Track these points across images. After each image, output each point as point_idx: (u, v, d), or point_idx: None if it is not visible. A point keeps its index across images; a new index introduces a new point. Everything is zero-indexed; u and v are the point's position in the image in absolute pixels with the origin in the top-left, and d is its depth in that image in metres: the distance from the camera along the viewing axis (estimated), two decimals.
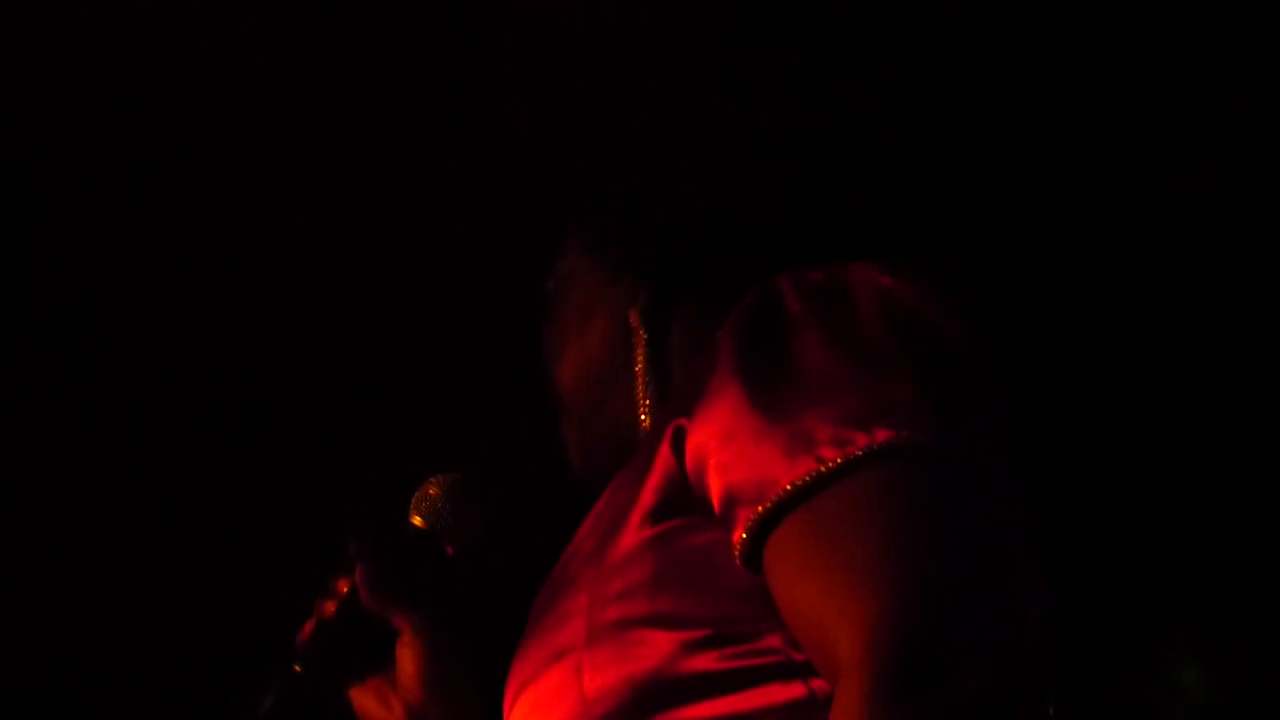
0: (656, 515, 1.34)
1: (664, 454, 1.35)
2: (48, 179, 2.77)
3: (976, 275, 2.68)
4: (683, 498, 1.33)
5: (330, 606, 1.67)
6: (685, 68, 2.64)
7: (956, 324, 1.34)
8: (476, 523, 1.71)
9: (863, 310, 1.33)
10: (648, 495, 1.35)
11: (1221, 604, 3.12)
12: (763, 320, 1.36)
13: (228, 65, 2.67)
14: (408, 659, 1.66)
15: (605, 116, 2.66)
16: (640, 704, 1.28)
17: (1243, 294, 2.91)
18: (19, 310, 2.83)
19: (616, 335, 1.61)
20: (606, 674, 1.31)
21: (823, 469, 1.22)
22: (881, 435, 1.22)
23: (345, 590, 1.67)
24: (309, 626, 1.67)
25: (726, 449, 1.28)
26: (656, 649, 1.29)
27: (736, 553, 1.26)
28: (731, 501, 1.27)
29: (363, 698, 1.70)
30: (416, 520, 1.70)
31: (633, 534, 1.35)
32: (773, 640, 1.27)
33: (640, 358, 1.58)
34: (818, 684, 1.24)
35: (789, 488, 1.22)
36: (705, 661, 1.27)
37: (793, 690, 1.26)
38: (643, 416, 1.56)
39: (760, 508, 1.24)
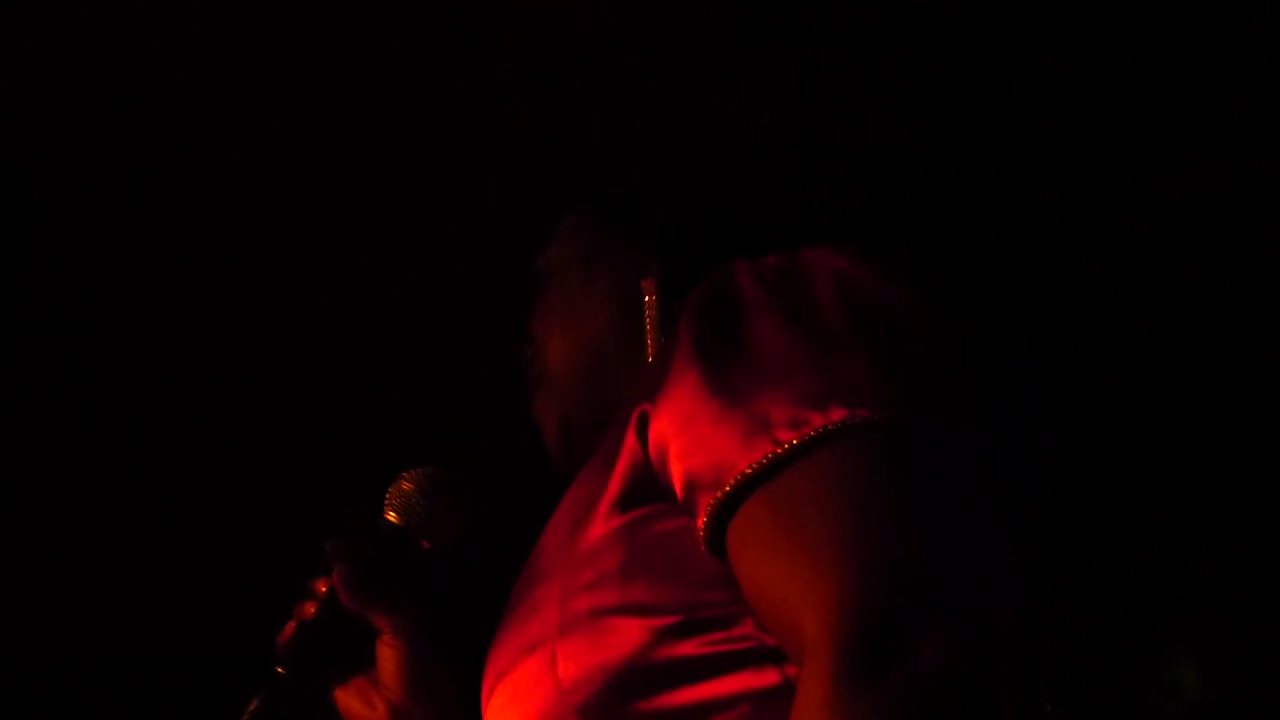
0: (624, 503, 1.35)
1: (630, 441, 1.35)
2: (48, 179, 2.77)
3: (976, 275, 2.69)
4: (650, 485, 1.34)
5: (310, 607, 1.67)
6: (685, 68, 2.64)
7: (911, 303, 1.34)
8: (451, 517, 1.70)
9: (817, 292, 1.34)
10: (615, 483, 1.36)
11: (1217, 600, 3.12)
12: (718, 305, 1.36)
13: (228, 65, 2.66)
14: (389, 658, 1.67)
15: (605, 116, 2.65)
16: (615, 692, 1.29)
17: (1243, 294, 2.91)
18: (19, 310, 2.83)
19: (622, 307, 1.61)
20: (580, 663, 1.31)
21: (779, 450, 1.23)
22: (837, 415, 1.23)
23: (324, 591, 1.67)
24: (289, 628, 1.67)
25: (685, 435, 1.29)
26: (629, 637, 1.30)
27: (700, 538, 1.27)
28: (692, 488, 1.28)
29: (346, 697, 1.70)
30: (391, 516, 1.69)
31: (601, 523, 1.35)
32: (745, 626, 1.27)
33: (651, 327, 1.58)
34: (791, 670, 1.25)
35: (746, 471, 1.23)
36: (678, 649, 1.28)
37: (766, 677, 1.27)
38: None
39: (719, 493, 1.25)
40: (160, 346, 2.88)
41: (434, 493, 1.69)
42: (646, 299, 1.59)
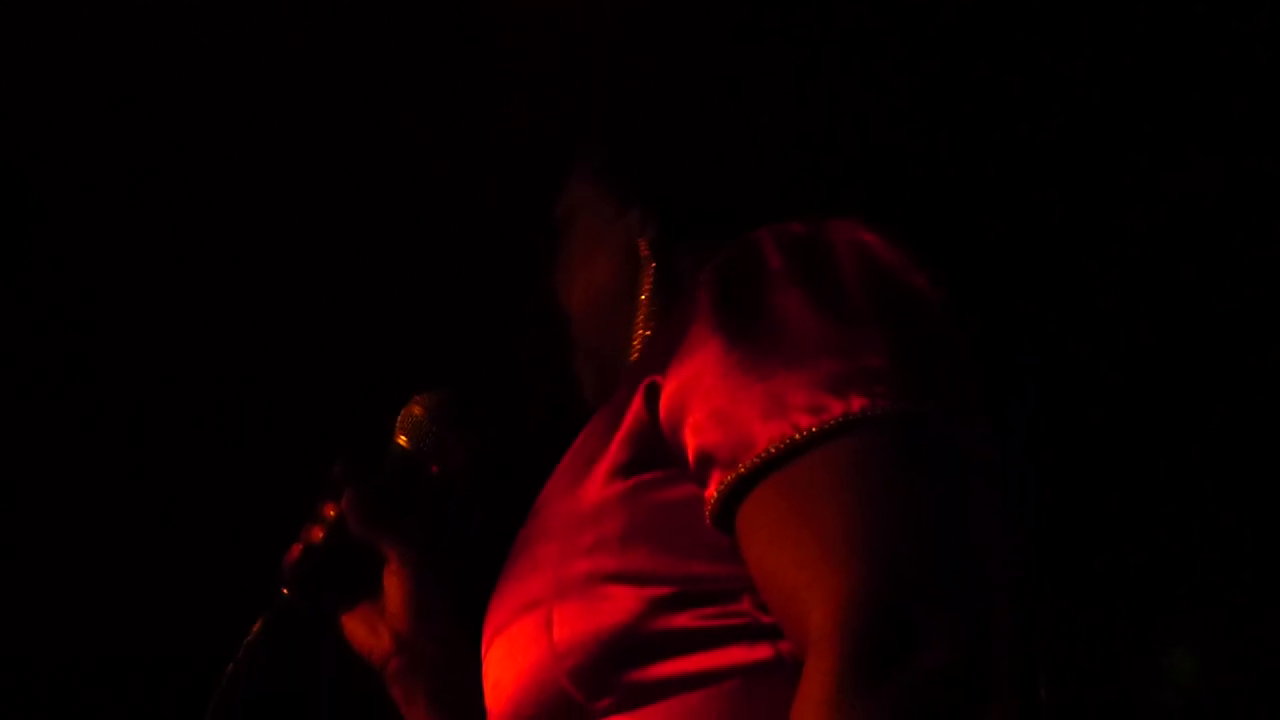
0: (628, 469, 1.33)
1: (636, 408, 1.34)
2: (48, 179, 2.77)
3: (977, 274, 2.68)
4: (655, 452, 1.32)
5: (318, 531, 1.67)
6: (685, 68, 2.64)
7: (935, 288, 1.33)
8: (460, 442, 1.69)
9: (843, 269, 1.32)
10: (616, 448, 1.34)
11: (1215, 592, 3.13)
12: (742, 273, 1.35)
13: (228, 65, 2.67)
14: (395, 586, 1.65)
15: (605, 116, 2.65)
16: (608, 659, 1.29)
17: (1243, 294, 2.91)
18: (19, 310, 2.83)
19: (625, 264, 1.61)
20: (575, 628, 1.30)
21: (797, 436, 1.21)
22: (857, 403, 1.22)
23: (333, 515, 1.67)
24: (295, 550, 1.66)
25: (703, 406, 1.28)
26: (624, 605, 1.29)
27: (708, 512, 1.26)
28: (706, 461, 1.26)
29: (353, 625, 1.68)
30: (401, 440, 1.69)
31: (599, 487, 1.34)
32: (742, 603, 1.26)
33: (647, 287, 1.58)
34: (785, 646, 1.24)
35: (762, 454, 1.22)
36: (673, 620, 1.27)
37: (759, 651, 1.26)
38: (636, 345, 1.55)
39: (732, 474, 1.24)
40: (160, 346, 2.88)
41: (444, 418, 1.68)
42: (645, 260, 1.58)
